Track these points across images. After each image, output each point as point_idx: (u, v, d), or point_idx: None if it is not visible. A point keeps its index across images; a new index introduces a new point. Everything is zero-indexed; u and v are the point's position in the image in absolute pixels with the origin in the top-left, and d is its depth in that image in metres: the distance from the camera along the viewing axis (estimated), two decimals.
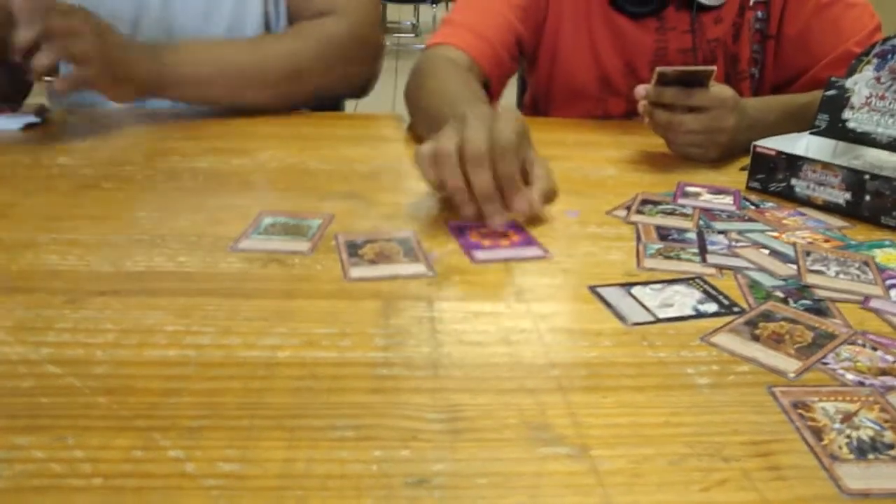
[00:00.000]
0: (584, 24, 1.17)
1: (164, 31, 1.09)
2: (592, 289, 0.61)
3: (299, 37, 1.09)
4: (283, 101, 1.09)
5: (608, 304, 0.58)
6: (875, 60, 0.83)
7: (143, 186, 0.81)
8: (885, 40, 0.83)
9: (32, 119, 1.01)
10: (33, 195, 0.78)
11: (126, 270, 0.62)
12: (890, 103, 0.82)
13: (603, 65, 1.19)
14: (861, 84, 0.84)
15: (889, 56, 0.82)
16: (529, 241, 0.68)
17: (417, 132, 1.03)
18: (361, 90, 1.20)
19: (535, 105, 1.33)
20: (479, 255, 0.66)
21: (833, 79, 0.86)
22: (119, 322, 0.54)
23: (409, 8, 6.90)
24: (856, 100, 0.85)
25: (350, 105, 1.26)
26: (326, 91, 1.12)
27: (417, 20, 7.08)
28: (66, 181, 0.82)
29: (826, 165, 0.79)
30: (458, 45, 1.10)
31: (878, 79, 0.83)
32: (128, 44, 0.97)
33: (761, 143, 0.85)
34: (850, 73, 0.85)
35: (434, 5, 6.27)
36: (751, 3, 1.14)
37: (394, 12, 6.93)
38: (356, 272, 0.62)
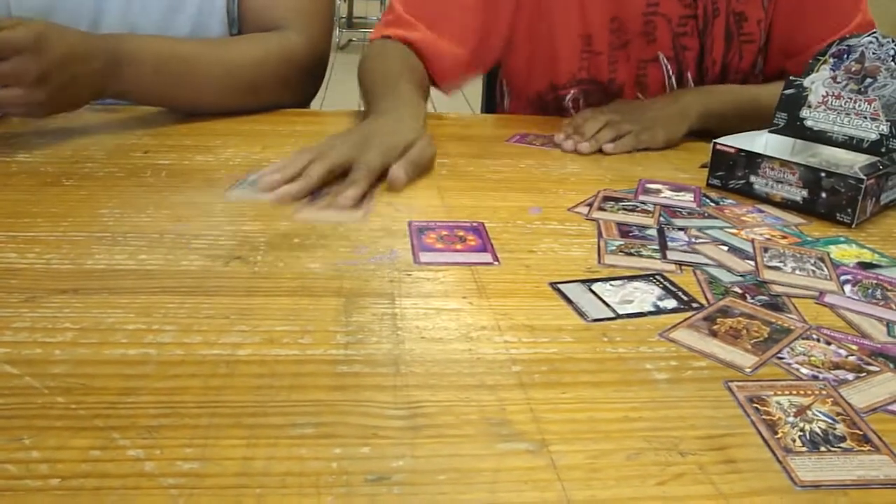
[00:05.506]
0: None
1: (126, 31, 1.07)
2: (553, 285, 0.61)
3: (260, 50, 1.06)
4: (234, 111, 1.06)
5: (569, 301, 0.59)
6: (831, 60, 0.85)
7: (104, 183, 0.81)
8: (842, 40, 0.85)
9: None
10: None
11: (86, 268, 0.61)
12: (846, 102, 0.84)
13: (588, 19, 1.13)
14: (818, 83, 0.86)
15: (845, 56, 0.84)
16: (483, 247, 0.68)
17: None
18: (304, 103, 1.20)
19: (510, 80, 1.29)
20: (424, 257, 0.66)
21: (791, 77, 0.88)
22: (78, 321, 0.53)
23: (376, 4, 6.87)
24: (813, 98, 0.86)
25: (316, 102, 1.26)
26: (276, 104, 1.10)
27: None
28: (26, 178, 0.81)
29: (784, 163, 0.80)
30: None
31: (834, 78, 0.84)
32: (81, 69, 0.89)
33: (721, 140, 0.86)
34: (808, 73, 0.86)
35: None
36: None
37: (360, 7, 6.90)
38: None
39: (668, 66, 1.13)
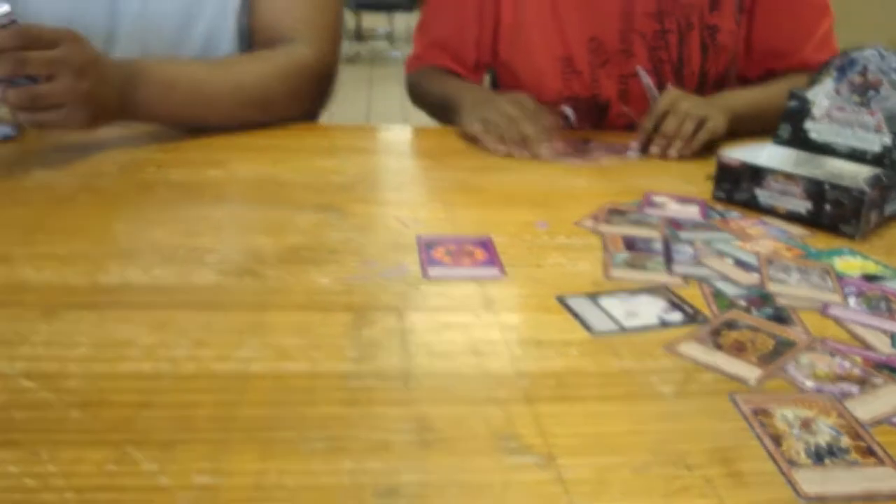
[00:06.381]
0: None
1: (139, 46, 1.08)
2: (560, 299, 0.62)
3: (269, 65, 1.08)
4: (246, 125, 1.08)
5: (575, 315, 0.59)
6: (835, 73, 0.85)
7: (117, 199, 0.82)
8: (845, 53, 0.85)
9: (8, 131, 1.01)
10: (8, 208, 0.78)
11: (101, 283, 0.62)
12: (849, 115, 0.84)
13: (567, 41, 1.19)
14: (821, 96, 0.86)
15: (847, 69, 0.84)
16: (491, 261, 0.69)
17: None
18: (314, 115, 1.21)
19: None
20: (432, 271, 0.66)
21: (794, 90, 0.89)
22: (93, 335, 0.54)
23: (384, 16, 6.90)
24: (817, 111, 0.87)
25: (324, 115, 1.27)
26: (287, 117, 1.12)
27: (392, 28, 7.08)
28: (41, 193, 0.82)
29: (788, 176, 0.81)
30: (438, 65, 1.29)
31: (837, 91, 0.85)
32: (106, 77, 0.91)
33: (726, 153, 0.86)
34: (811, 85, 0.87)
35: (409, 12, 6.30)
36: None
37: (368, 20, 6.93)
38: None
39: (649, 80, 1.17)
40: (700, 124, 1.03)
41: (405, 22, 6.60)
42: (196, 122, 1.04)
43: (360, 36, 6.90)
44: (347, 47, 5.95)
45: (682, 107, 1.04)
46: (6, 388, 0.48)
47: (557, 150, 1.03)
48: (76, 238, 0.71)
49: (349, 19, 6.50)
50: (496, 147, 1.03)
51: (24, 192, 0.83)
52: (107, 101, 0.91)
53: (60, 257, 0.67)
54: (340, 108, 1.29)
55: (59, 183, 0.86)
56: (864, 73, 0.83)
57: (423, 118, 1.37)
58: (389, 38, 7.09)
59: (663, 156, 1.03)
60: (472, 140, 1.07)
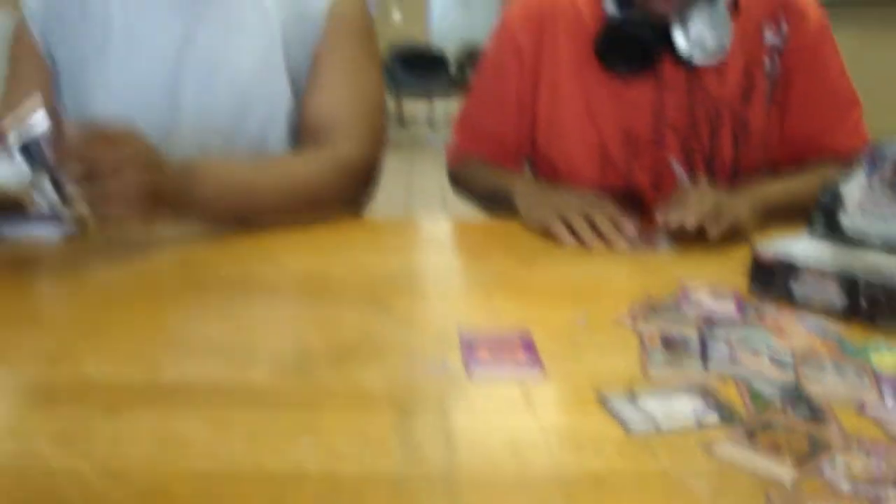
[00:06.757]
0: (581, 92, 1.23)
1: (198, 141, 1.14)
2: (599, 397, 0.64)
3: (317, 165, 1.13)
4: (294, 222, 1.12)
5: (613, 413, 0.61)
6: (866, 166, 0.88)
7: (173, 295, 0.86)
8: (875, 147, 0.88)
9: (71, 228, 1.06)
10: (71, 305, 0.83)
11: (159, 380, 0.66)
12: (882, 207, 0.86)
13: (601, 133, 1.23)
14: (854, 188, 0.89)
15: (878, 162, 0.87)
16: (532, 361, 0.71)
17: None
18: (359, 209, 1.27)
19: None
20: (475, 371, 0.69)
21: (826, 185, 0.91)
22: (154, 432, 0.57)
23: (424, 103, 7.09)
24: (850, 204, 0.89)
25: None
26: (333, 213, 1.16)
27: (432, 114, 7.26)
28: (100, 291, 0.87)
29: (823, 272, 0.82)
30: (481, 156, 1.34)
31: (869, 184, 0.87)
32: (165, 173, 0.96)
33: (761, 247, 0.88)
34: (844, 178, 0.89)
35: (448, 98, 6.48)
36: (765, 64, 1.19)
37: (409, 107, 7.12)
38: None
39: (681, 170, 1.20)
40: (719, 208, 1.03)
41: (444, 107, 6.77)
42: (247, 218, 1.09)
43: (401, 122, 7.08)
44: (389, 133, 6.11)
45: (703, 189, 1.07)
46: (73, 484, 0.51)
47: (631, 241, 1.05)
48: (134, 335, 0.75)
49: (390, 105, 6.69)
50: (568, 238, 1.05)
51: (85, 290, 0.87)
52: (164, 196, 0.96)
53: (120, 355, 0.70)
54: (382, 193, 1.34)
55: (117, 280, 0.90)
56: (894, 167, 0.85)
57: (462, 204, 1.41)
58: (430, 122, 7.27)
59: (674, 225, 1.02)
60: (539, 231, 1.09)
